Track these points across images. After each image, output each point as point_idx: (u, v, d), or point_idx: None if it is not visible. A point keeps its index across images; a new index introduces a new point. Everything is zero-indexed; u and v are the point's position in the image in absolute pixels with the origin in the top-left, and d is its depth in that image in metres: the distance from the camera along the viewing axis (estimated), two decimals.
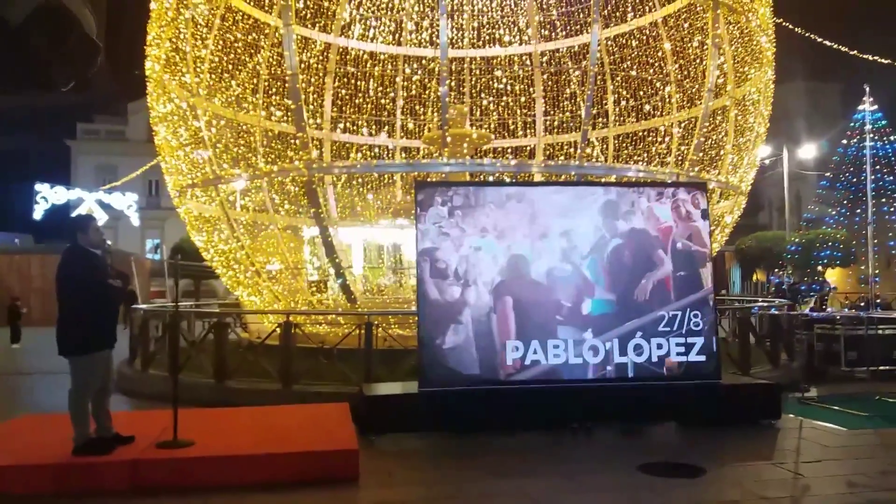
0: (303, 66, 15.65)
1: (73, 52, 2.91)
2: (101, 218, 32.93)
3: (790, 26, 16.19)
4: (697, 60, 14.49)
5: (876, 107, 21.26)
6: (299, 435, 6.80)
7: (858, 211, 19.03)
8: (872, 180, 19.97)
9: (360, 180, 16.96)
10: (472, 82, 18.61)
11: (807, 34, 17.02)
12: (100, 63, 3.09)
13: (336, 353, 10.00)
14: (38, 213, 40.82)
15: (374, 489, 5.86)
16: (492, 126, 18.27)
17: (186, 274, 29.38)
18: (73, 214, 32.19)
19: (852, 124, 19.94)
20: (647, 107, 16.14)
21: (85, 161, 53.78)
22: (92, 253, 6.37)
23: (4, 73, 2.89)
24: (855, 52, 18.07)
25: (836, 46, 17.82)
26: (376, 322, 10.23)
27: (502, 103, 18.29)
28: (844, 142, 19.66)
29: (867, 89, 19.66)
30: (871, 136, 19.67)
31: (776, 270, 22.10)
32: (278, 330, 10.29)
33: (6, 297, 29.29)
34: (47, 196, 40.73)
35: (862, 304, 19.20)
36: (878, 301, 19.33)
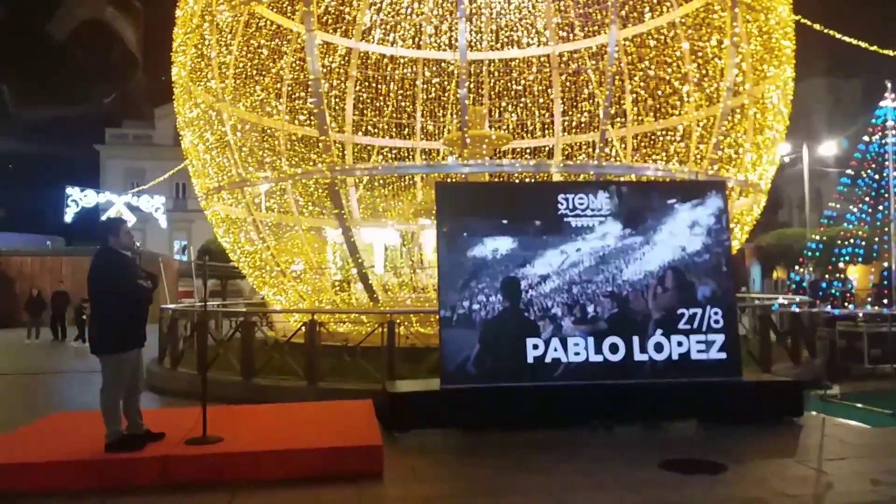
0: (325, 70, 15.85)
1: (115, 67, 3.04)
2: (130, 220, 33.34)
3: (809, 23, 16.05)
4: (715, 59, 14.43)
5: None
6: (324, 431, 6.90)
7: (881, 208, 18.78)
8: (895, 177, 19.70)
9: (381, 181, 17.12)
10: (491, 84, 18.70)
11: (826, 31, 16.86)
12: (139, 76, 3.23)
13: (359, 351, 10.13)
14: (68, 216, 41.39)
15: (398, 485, 5.95)
16: (510, 127, 18.34)
17: (213, 274, 29.79)
18: (104, 217, 32.65)
19: (874, 120, 19.67)
20: (665, 106, 16.11)
21: (114, 165, 54.62)
22: (123, 255, 6.52)
23: (49, 88, 3.03)
24: (875, 47, 17.86)
25: (856, 42, 17.62)
26: (398, 320, 10.36)
27: (521, 104, 18.35)
28: (866, 138, 19.41)
29: (889, 85, 19.40)
30: (893, 132, 19.41)
31: (797, 268, 21.85)
32: (303, 328, 10.45)
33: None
34: (77, 199, 41.29)
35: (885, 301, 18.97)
36: None
